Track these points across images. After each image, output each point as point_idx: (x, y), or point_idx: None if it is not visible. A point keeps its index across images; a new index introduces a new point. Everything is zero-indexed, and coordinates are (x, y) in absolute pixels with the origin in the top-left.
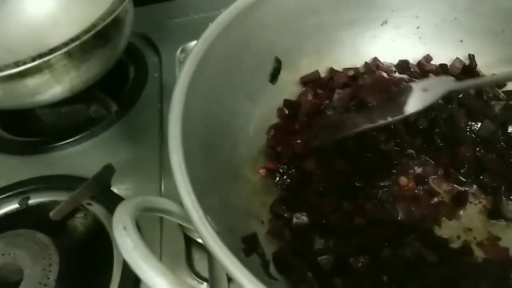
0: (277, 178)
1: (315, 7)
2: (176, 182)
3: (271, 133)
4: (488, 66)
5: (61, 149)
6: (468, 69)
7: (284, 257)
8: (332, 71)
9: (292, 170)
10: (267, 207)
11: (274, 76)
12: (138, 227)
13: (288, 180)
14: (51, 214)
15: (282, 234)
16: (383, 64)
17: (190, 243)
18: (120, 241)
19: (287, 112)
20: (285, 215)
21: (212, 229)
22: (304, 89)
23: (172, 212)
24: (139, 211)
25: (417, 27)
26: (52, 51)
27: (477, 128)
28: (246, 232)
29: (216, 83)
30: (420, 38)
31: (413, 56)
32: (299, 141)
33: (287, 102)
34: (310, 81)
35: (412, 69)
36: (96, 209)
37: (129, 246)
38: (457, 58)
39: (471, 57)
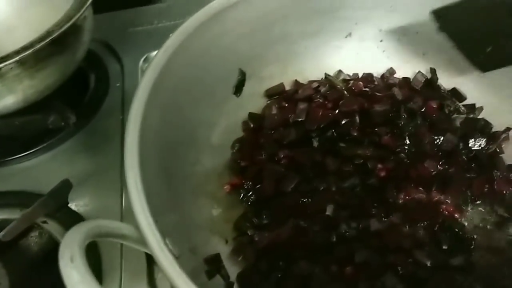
0: (242, 194)
1: (282, 16)
2: (132, 203)
3: (236, 148)
4: (449, 78)
5: (15, 163)
6: (430, 83)
7: (249, 278)
8: (297, 83)
9: (258, 186)
10: (231, 225)
11: (238, 88)
12: (97, 246)
13: (253, 196)
14: (1, 234)
15: (246, 253)
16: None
17: (152, 261)
18: (66, 274)
19: (252, 125)
20: (249, 232)
21: (171, 253)
22: (269, 101)
23: (128, 236)
24: (90, 239)
25: (380, 40)
26: (2, 59)
27: (439, 142)
28: (209, 252)
29: (178, 94)
30: (383, 51)
31: (377, 69)
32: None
33: (252, 115)
34: (275, 94)
35: (376, 82)
36: (52, 227)
37: (74, 280)
38: (419, 72)
39: (433, 71)
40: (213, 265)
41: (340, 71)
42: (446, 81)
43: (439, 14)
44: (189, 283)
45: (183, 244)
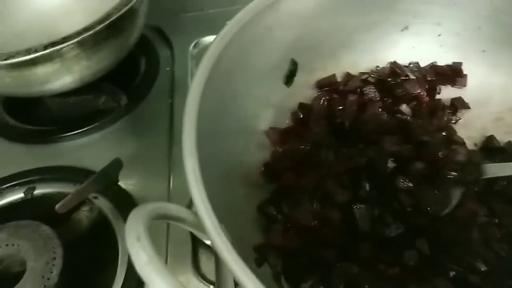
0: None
1: (334, 8)
2: (191, 190)
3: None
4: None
5: (69, 140)
6: None
7: (293, 269)
8: (348, 75)
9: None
10: None
11: (289, 79)
12: None
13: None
14: (57, 206)
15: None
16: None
17: (197, 244)
18: (134, 253)
19: (301, 115)
20: (278, 215)
21: (227, 239)
22: (319, 92)
23: (186, 219)
24: (153, 219)
25: (439, 35)
26: (64, 39)
27: None
28: (256, 241)
29: (232, 82)
30: (441, 46)
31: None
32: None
33: (301, 105)
34: (326, 85)
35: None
36: (102, 203)
37: (143, 260)
38: None
39: None
40: (262, 253)
41: (394, 62)
42: (502, 80)
43: None
44: (244, 267)
45: (234, 231)
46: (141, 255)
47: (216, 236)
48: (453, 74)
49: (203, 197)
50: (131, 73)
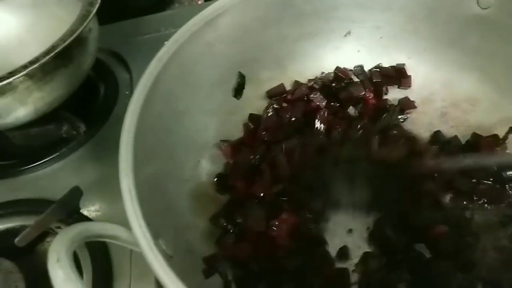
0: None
1: (274, 19)
2: (126, 207)
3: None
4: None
5: (30, 172)
6: None
7: (244, 277)
8: (297, 83)
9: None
10: None
11: (238, 91)
12: (108, 249)
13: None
14: (16, 240)
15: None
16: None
17: None
18: (52, 273)
19: (252, 126)
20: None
21: (162, 253)
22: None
23: (120, 237)
24: (81, 240)
25: (380, 37)
26: (10, 74)
27: None
28: (207, 253)
29: (174, 101)
30: (384, 47)
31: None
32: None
33: (252, 117)
34: (276, 95)
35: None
36: None
37: (60, 279)
38: None
39: None
40: (211, 263)
41: (337, 68)
42: (445, 76)
43: None
44: (176, 281)
45: (180, 245)
46: (59, 274)
47: (148, 250)
48: (397, 75)
49: (137, 214)
50: (90, 99)
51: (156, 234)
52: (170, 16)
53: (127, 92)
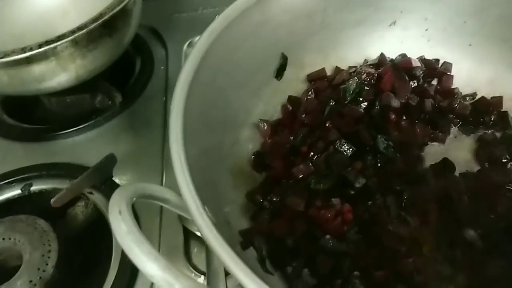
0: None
1: (323, 5)
2: (175, 170)
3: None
4: (494, 71)
5: (65, 138)
6: None
7: (279, 253)
8: (337, 69)
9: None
10: None
11: (279, 72)
12: (138, 218)
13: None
14: (52, 201)
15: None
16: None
17: (189, 236)
18: (115, 225)
19: (290, 108)
20: (264, 203)
21: (209, 219)
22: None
23: (170, 201)
24: (136, 198)
25: (426, 29)
26: (59, 38)
27: None
28: (243, 226)
29: (220, 76)
30: (428, 40)
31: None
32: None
33: (291, 99)
34: (316, 79)
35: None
36: (97, 198)
37: (123, 230)
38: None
39: None
40: (248, 237)
41: (382, 54)
42: (490, 74)
43: None
44: (225, 246)
45: (220, 216)
46: (121, 226)
47: (198, 215)
48: (440, 72)
49: (187, 179)
50: (126, 72)
51: (202, 201)
52: None
53: (162, 67)
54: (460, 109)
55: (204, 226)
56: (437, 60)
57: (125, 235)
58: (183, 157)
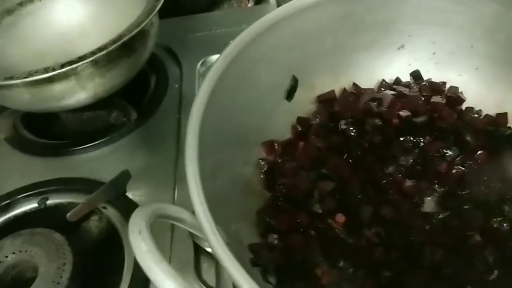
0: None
1: (334, 28)
2: (190, 192)
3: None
4: (505, 93)
5: (81, 153)
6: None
7: (284, 272)
8: (345, 91)
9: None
10: None
11: (290, 94)
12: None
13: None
14: (68, 215)
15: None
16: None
17: (199, 252)
18: (135, 244)
19: (299, 128)
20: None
21: (222, 239)
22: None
23: (185, 220)
24: (155, 218)
25: (433, 53)
26: (80, 59)
27: None
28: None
29: (234, 99)
30: (436, 63)
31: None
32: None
33: (300, 119)
34: (326, 100)
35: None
36: (111, 213)
37: (143, 250)
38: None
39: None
40: (256, 251)
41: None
42: (497, 97)
43: None
44: (237, 264)
45: (230, 234)
46: (142, 246)
47: (211, 235)
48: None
49: (202, 200)
50: (141, 89)
51: (215, 220)
52: (220, 16)
53: (176, 86)
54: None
55: (217, 246)
56: (444, 83)
57: (145, 254)
58: (198, 179)
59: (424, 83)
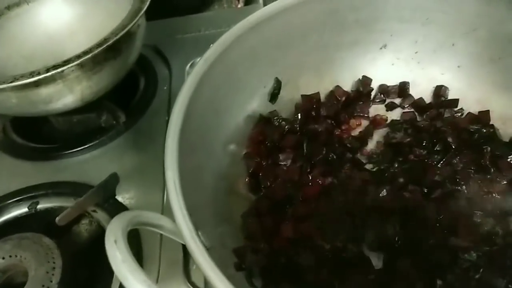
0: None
1: (317, 27)
2: (170, 198)
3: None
4: (486, 91)
5: (71, 157)
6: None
7: (270, 274)
8: (332, 93)
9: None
10: None
11: (274, 96)
12: (139, 234)
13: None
14: (57, 219)
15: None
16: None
17: (188, 254)
18: (110, 254)
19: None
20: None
21: (202, 244)
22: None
23: (165, 227)
24: (132, 226)
25: (416, 52)
26: (65, 63)
27: None
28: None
29: (216, 101)
30: (418, 62)
31: (412, 80)
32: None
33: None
34: (307, 104)
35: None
36: (101, 216)
37: (118, 259)
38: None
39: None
40: (240, 255)
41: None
42: (478, 94)
43: None
44: (216, 270)
45: (214, 238)
46: (117, 255)
47: (190, 240)
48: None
49: (181, 204)
50: (130, 91)
51: (196, 225)
52: (210, 17)
53: (165, 87)
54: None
55: (196, 251)
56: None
57: (120, 263)
58: (177, 183)
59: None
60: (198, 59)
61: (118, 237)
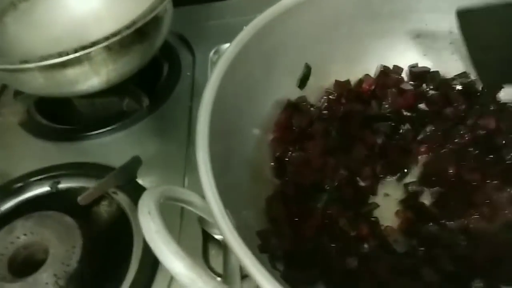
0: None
1: (350, 16)
2: (201, 177)
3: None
4: None
5: (93, 138)
6: None
7: (292, 259)
8: (361, 82)
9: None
10: None
11: (303, 82)
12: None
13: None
14: (79, 198)
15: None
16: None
17: (207, 239)
18: (144, 225)
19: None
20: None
21: (231, 222)
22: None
23: (195, 203)
24: (164, 199)
25: (450, 43)
26: (93, 44)
27: None
28: None
29: (246, 85)
30: (452, 54)
31: (444, 71)
32: None
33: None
34: (338, 90)
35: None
36: (121, 198)
37: (152, 230)
38: None
39: None
40: (264, 238)
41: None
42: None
43: (463, 15)
44: (245, 248)
45: (240, 218)
46: (151, 226)
47: (221, 218)
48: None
49: (212, 184)
50: (154, 76)
51: (224, 204)
52: (234, 4)
53: (188, 73)
54: None
55: (226, 229)
56: None
57: (154, 234)
58: (208, 164)
59: None
60: (224, 46)
61: (152, 208)
